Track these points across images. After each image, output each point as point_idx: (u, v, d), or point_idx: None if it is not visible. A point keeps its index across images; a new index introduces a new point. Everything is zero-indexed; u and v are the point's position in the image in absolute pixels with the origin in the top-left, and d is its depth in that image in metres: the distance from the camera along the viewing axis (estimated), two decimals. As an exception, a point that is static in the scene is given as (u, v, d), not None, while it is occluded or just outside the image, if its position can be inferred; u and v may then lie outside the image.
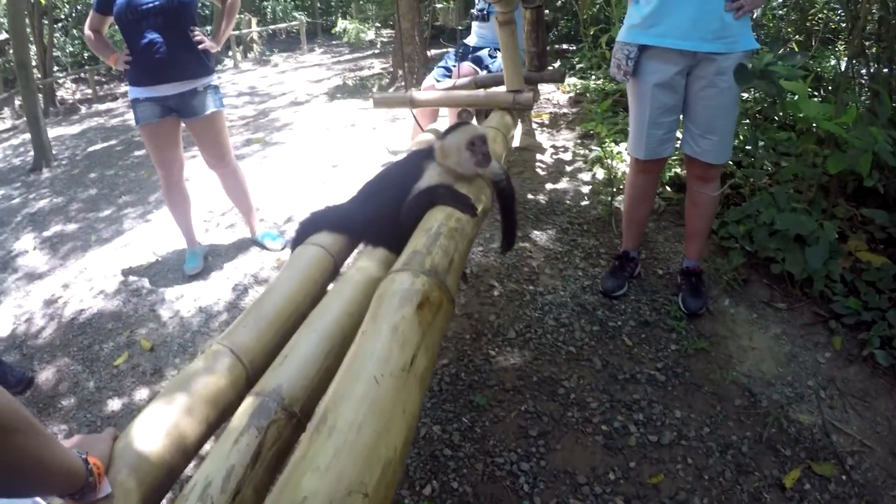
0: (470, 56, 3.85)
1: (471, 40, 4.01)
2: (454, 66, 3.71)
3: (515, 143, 4.12)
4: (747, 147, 3.28)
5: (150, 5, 2.89)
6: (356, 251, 1.85)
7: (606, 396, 2.20)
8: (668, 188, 3.45)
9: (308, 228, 1.84)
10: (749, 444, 2.01)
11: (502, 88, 3.19)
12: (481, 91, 3.09)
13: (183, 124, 3.22)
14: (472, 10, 4.04)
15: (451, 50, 4.04)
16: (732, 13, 2.13)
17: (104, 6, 3.01)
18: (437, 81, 3.73)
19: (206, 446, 1.28)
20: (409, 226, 1.60)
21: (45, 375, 2.90)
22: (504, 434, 2.08)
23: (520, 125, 3.07)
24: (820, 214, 2.70)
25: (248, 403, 1.15)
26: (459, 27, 8.58)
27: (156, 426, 1.11)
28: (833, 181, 2.89)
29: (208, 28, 10.69)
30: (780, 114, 3.45)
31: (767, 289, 2.72)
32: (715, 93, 2.26)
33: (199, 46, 3.05)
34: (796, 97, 2.48)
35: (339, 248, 1.76)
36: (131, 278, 3.52)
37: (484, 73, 3.70)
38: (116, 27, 3.03)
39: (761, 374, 2.29)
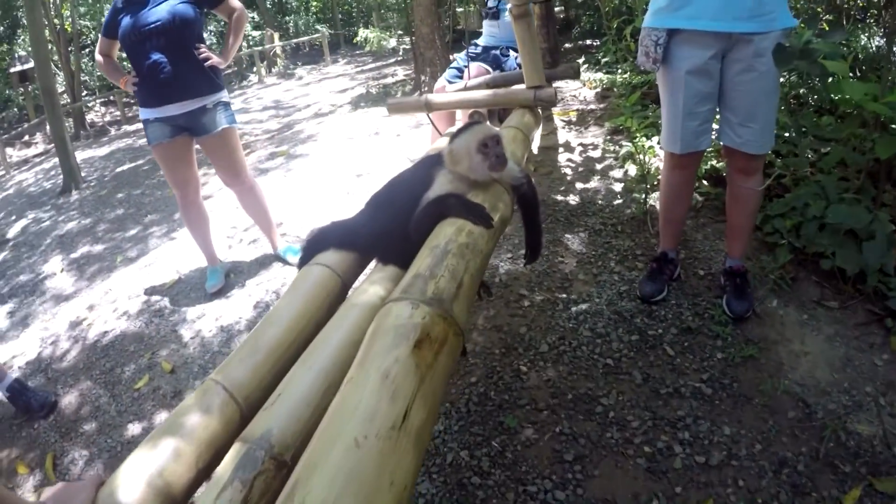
0: (481, 56, 3.72)
1: (482, 40, 3.89)
2: (465, 66, 3.58)
3: (536, 142, 3.95)
4: (786, 134, 3.07)
5: (152, 26, 2.85)
6: (369, 268, 1.71)
7: (648, 414, 2.03)
8: (704, 182, 3.25)
9: (314, 247, 1.71)
10: (805, 461, 1.82)
11: (520, 86, 3.05)
12: (501, 89, 2.95)
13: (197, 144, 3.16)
14: (482, 10, 3.91)
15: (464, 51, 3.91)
16: None
17: (111, 30, 3.00)
18: (449, 83, 3.61)
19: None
20: (419, 240, 1.45)
21: (69, 399, 2.87)
22: (537, 459, 1.92)
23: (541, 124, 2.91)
24: (869, 202, 2.50)
25: (234, 452, 1.03)
26: (480, 30, 8.45)
27: (141, 474, 1.01)
28: (881, 166, 2.68)
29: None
30: (822, 96, 3.24)
31: (817, 286, 2.51)
32: (754, 77, 2.07)
33: (206, 63, 2.98)
34: (836, 78, 2.30)
35: (347, 266, 1.63)
36: (154, 298, 3.47)
37: (496, 72, 3.57)
38: None
39: (815, 382, 2.09)
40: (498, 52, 3.70)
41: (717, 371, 2.16)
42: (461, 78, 3.56)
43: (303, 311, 1.44)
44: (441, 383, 1.05)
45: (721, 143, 2.31)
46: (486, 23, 3.87)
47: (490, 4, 3.75)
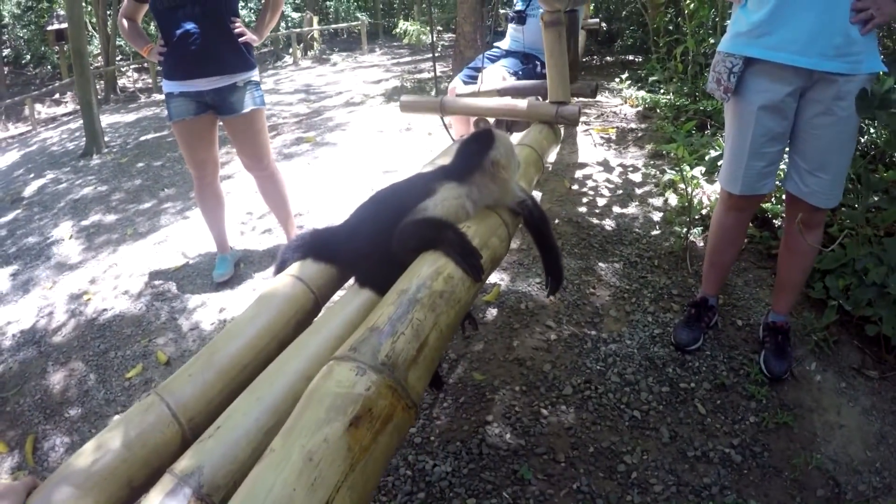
0: (501, 60, 3.54)
1: (504, 44, 3.71)
2: (482, 68, 3.40)
3: (551, 158, 3.73)
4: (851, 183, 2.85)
5: None
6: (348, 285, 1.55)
7: (673, 478, 1.85)
8: (750, 223, 3.04)
9: (292, 253, 1.56)
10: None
11: (533, 99, 2.86)
12: (521, 100, 2.76)
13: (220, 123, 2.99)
14: (508, 12, 3.73)
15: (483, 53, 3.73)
16: (859, 26, 1.76)
17: None
18: (464, 83, 3.43)
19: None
20: (402, 258, 1.29)
21: (57, 378, 2.75)
22: (551, 519, 1.74)
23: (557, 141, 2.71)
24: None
25: (161, 485, 0.94)
26: (499, 29, 8.25)
27: (72, 485, 0.96)
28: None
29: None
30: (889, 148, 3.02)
31: (859, 352, 2.32)
32: (831, 122, 1.87)
33: (240, 39, 2.81)
34: None
35: (325, 281, 1.48)
36: (158, 280, 3.33)
37: (512, 79, 3.38)
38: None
39: (848, 459, 1.94)
40: (519, 58, 3.52)
41: (749, 436, 1.99)
42: (475, 81, 3.39)
43: (266, 328, 1.30)
44: (377, 469, 0.90)
45: (784, 189, 2.11)
46: (511, 26, 3.70)
47: (517, 7, 3.57)
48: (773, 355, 2.22)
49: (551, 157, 3.54)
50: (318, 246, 1.55)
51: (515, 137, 2.53)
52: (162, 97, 2.95)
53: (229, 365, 1.22)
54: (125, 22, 2.90)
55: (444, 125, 3.17)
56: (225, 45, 2.78)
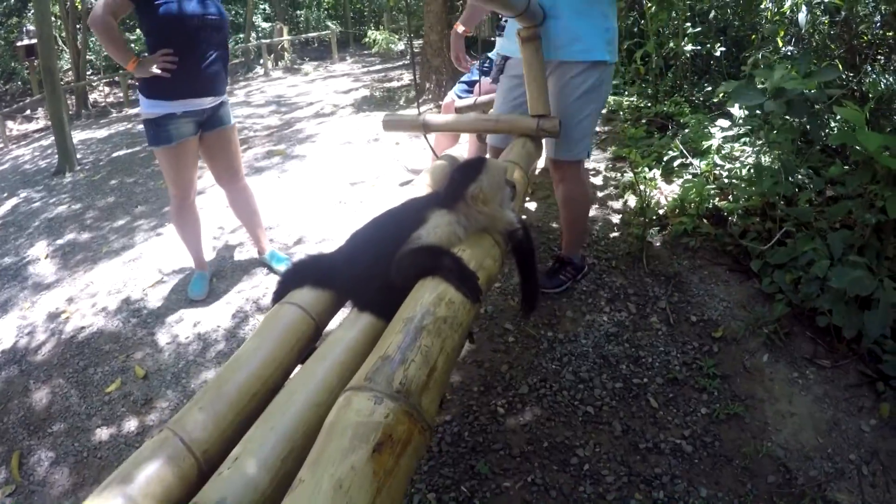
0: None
1: (495, 54, 3.79)
2: (478, 80, 3.48)
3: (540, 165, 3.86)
4: (799, 176, 2.98)
5: (213, 18, 2.77)
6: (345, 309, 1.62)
7: (624, 469, 1.96)
8: (705, 221, 3.17)
9: (290, 281, 1.62)
10: (783, 530, 1.77)
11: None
12: (503, 115, 2.85)
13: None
14: (500, 22, 3.82)
15: (476, 64, 3.81)
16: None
17: None
18: (458, 97, 3.51)
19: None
20: (401, 285, 1.36)
21: (39, 395, 2.82)
22: (506, 510, 1.86)
23: (544, 153, 2.81)
24: (874, 260, 2.42)
25: None
26: (492, 38, 8.34)
27: None
28: (889, 223, 2.61)
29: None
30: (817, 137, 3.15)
31: (811, 342, 2.44)
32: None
33: None
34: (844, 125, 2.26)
35: (324, 307, 1.53)
36: (134, 297, 3.39)
37: None
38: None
39: (799, 446, 2.04)
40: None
41: (700, 427, 2.11)
42: (471, 93, 3.45)
43: (271, 357, 1.34)
44: (400, 489, 0.96)
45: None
46: (499, 40, 3.77)
47: (505, 21, 3.64)
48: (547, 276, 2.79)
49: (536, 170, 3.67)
50: (315, 272, 1.61)
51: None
52: (134, 111, 2.96)
53: (238, 396, 1.25)
54: (111, 21, 2.60)
55: (428, 142, 3.25)
56: (225, 66, 2.92)
